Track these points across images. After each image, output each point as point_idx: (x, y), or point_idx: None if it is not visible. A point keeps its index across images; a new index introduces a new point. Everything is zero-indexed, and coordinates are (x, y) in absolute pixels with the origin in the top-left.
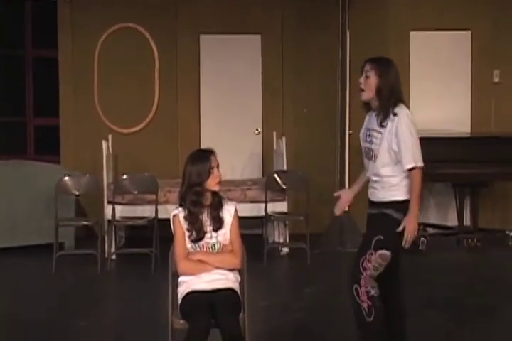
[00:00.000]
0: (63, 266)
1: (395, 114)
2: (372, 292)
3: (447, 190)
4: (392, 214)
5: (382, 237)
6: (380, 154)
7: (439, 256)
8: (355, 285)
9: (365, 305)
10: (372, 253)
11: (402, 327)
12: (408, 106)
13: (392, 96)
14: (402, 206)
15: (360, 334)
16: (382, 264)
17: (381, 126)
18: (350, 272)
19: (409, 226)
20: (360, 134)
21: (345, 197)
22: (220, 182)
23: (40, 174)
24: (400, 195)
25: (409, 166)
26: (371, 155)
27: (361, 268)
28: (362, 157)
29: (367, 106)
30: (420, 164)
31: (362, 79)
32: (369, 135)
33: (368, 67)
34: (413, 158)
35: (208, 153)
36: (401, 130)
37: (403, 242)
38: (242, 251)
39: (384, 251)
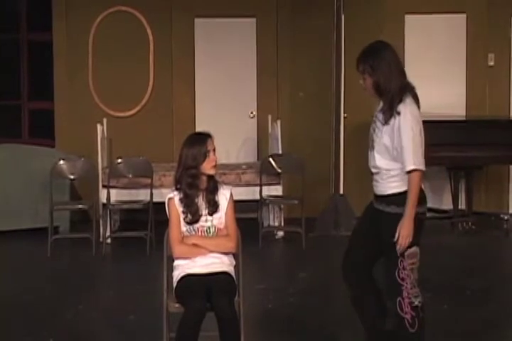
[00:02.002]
0: (58, 249)
1: (398, 113)
2: (416, 302)
3: (442, 173)
4: (397, 211)
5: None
6: (379, 147)
7: (433, 239)
8: (399, 298)
9: (408, 316)
10: (402, 260)
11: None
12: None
13: (391, 89)
14: (403, 198)
15: None
16: (415, 262)
17: (386, 122)
18: (386, 286)
19: (402, 231)
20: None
21: None
22: (215, 166)
23: (34, 158)
24: (399, 186)
25: (408, 168)
26: (371, 145)
27: (399, 279)
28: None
29: None
30: (421, 167)
31: (361, 81)
32: (374, 121)
33: (360, 67)
34: (413, 160)
35: (205, 137)
36: (403, 130)
37: (397, 247)
38: (238, 235)
39: (410, 250)
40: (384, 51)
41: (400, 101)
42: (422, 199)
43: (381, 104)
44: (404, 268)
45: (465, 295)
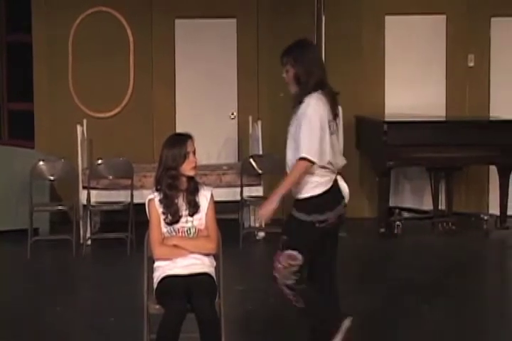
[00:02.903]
0: (38, 251)
1: (302, 103)
2: (289, 282)
3: (422, 174)
4: (294, 214)
5: (285, 237)
6: (289, 141)
7: (414, 239)
8: (277, 285)
9: (290, 296)
10: (280, 254)
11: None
12: (383, 90)
13: (309, 83)
14: (302, 204)
15: (309, 322)
16: (293, 265)
17: (294, 112)
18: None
19: (261, 208)
20: None
21: None
22: (195, 168)
23: (14, 159)
24: (301, 193)
25: (299, 155)
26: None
27: (273, 267)
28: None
29: None
30: (310, 157)
31: (284, 74)
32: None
33: (284, 59)
34: (306, 149)
35: (185, 138)
36: (302, 120)
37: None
38: (218, 236)
39: (290, 252)
40: (309, 47)
41: (309, 93)
42: (321, 207)
43: None
44: (278, 261)
45: (445, 295)
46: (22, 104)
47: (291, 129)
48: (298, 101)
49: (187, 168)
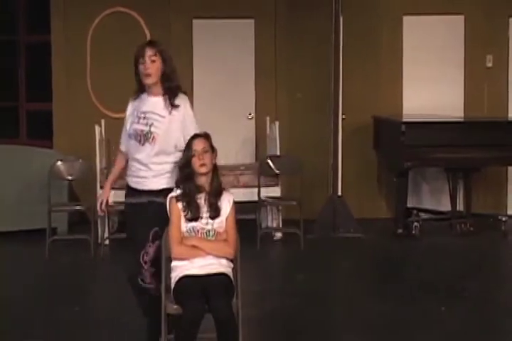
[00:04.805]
0: (56, 251)
1: (177, 105)
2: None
3: (440, 174)
4: (162, 200)
5: (158, 229)
6: (162, 139)
7: (432, 240)
8: (140, 277)
9: (153, 285)
10: (150, 246)
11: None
12: (401, 91)
13: (175, 81)
14: (169, 192)
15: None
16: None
17: (167, 111)
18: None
19: None
20: (128, 116)
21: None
22: (203, 165)
23: (33, 159)
24: (171, 183)
25: None
26: (148, 138)
27: (142, 262)
28: (133, 139)
29: (142, 89)
30: None
31: (148, 64)
32: (144, 117)
33: (151, 51)
34: None
35: (193, 137)
36: (189, 120)
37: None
38: (237, 242)
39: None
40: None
41: (177, 95)
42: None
43: (146, 98)
44: (148, 253)
45: (463, 297)
46: (41, 104)
47: (168, 129)
48: (171, 103)
49: (195, 166)
